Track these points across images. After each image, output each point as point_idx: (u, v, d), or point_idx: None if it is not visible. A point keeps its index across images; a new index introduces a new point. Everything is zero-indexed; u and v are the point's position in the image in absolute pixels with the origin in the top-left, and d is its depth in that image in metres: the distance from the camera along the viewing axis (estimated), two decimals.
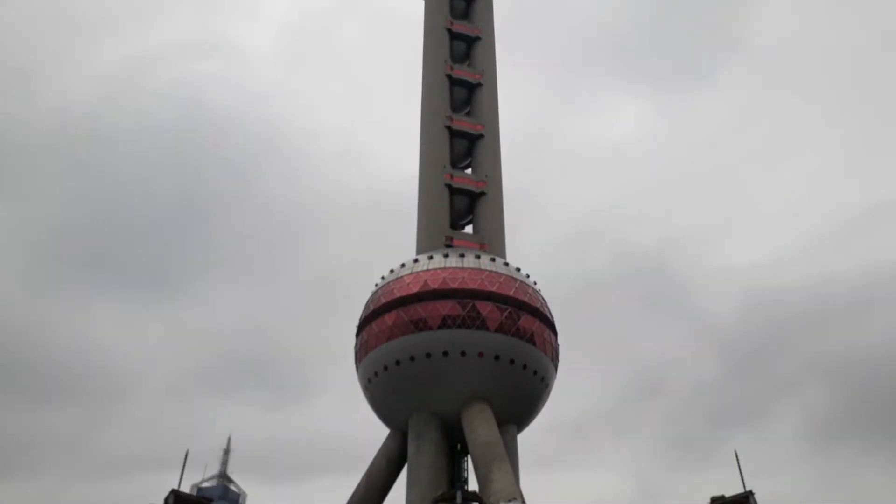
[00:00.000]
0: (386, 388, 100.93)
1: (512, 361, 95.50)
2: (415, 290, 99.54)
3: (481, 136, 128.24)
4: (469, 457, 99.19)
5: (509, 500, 79.15)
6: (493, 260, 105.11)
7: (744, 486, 24.22)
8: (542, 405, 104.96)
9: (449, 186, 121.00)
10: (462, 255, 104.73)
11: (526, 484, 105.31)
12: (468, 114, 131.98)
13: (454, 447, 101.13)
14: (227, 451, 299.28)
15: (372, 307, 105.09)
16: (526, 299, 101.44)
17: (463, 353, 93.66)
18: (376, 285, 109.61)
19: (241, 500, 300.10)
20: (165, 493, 26.66)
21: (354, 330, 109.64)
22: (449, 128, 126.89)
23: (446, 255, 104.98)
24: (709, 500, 24.73)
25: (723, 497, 24.39)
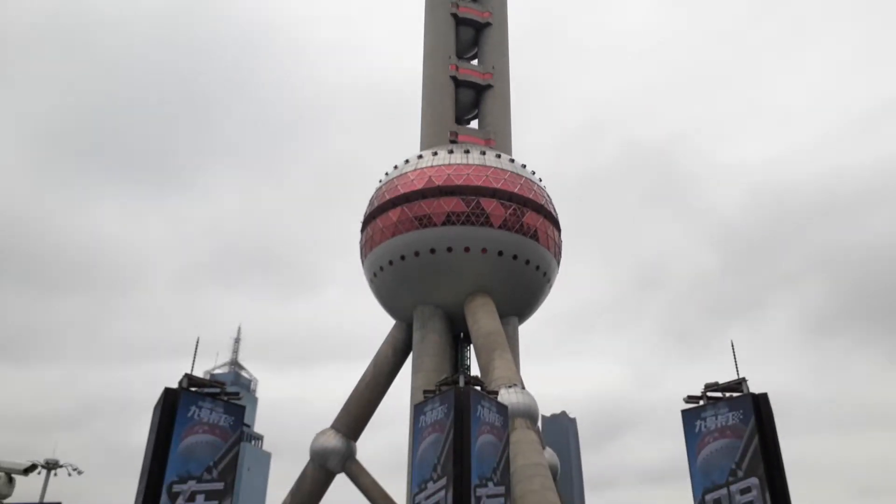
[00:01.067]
0: (391, 282, 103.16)
1: (515, 257, 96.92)
2: (419, 186, 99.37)
3: (488, 24, 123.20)
4: (471, 346, 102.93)
5: (510, 387, 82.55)
6: (498, 156, 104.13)
7: (738, 374, 25.11)
8: (544, 299, 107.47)
9: (454, 78, 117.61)
10: (467, 152, 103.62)
11: (526, 372, 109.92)
12: (475, 0, 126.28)
13: (457, 337, 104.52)
14: (237, 340, 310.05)
15: (376, 203, 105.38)
16: (531, 196, 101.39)
17: (467, 249, 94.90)
18: (380, 181, 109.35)
19: (252, 386, 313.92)
20: (179, 378, 27.66)
21: (358, 223, 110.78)
22: (455, 15, 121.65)
23: (451, 152, 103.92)
24: (703, 386, 25.75)
25: (716, 383, 25.33)
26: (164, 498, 24.12)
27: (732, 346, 27.04)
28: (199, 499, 24.91)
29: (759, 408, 24.43)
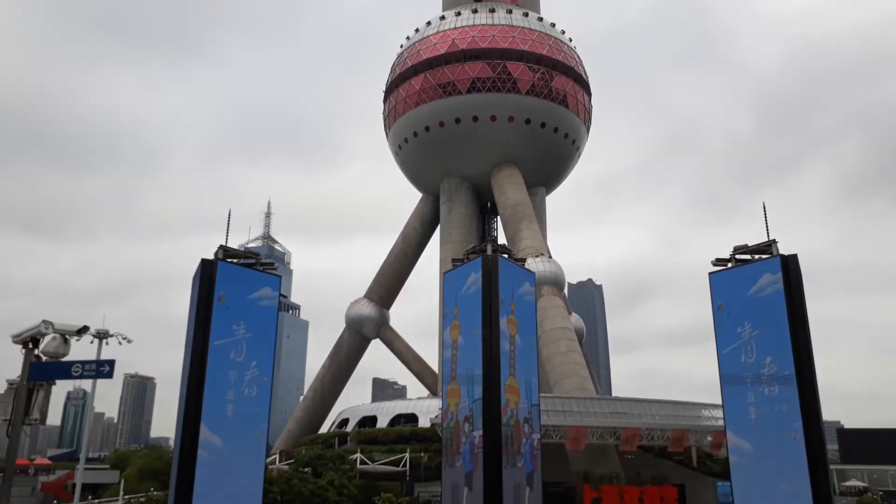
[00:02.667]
0: (416, 154, 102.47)
1: (543, 125, 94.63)
2: (442, 50, 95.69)
3: None
4: (498, 217, 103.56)
5: (537, 256, 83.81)
6: (525, 15, 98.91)
7: (768, 236, 24.83)
8: (572, 168, 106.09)
9: None
10: (492, 11, 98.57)
11: (553, 242, 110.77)
12: None
13: (484, 208, 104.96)
14: (268, 215, 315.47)
15: (398, 70, 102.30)
16: (560, 58, 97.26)
17: (493, 118, 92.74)
18: (401, 46, 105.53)
19: (286, 259, 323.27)
20: (214, 250, 28.32)
21: (380, 93, 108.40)
22: None
23: (475, 11, 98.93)
24: (732, 249, 25.60)
25: (745, 245, 25.15)
26: (210, 358, 25.58)
27: (764, 207, 26.54)
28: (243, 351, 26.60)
29: (788, 269, 24.40)
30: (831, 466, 39.08)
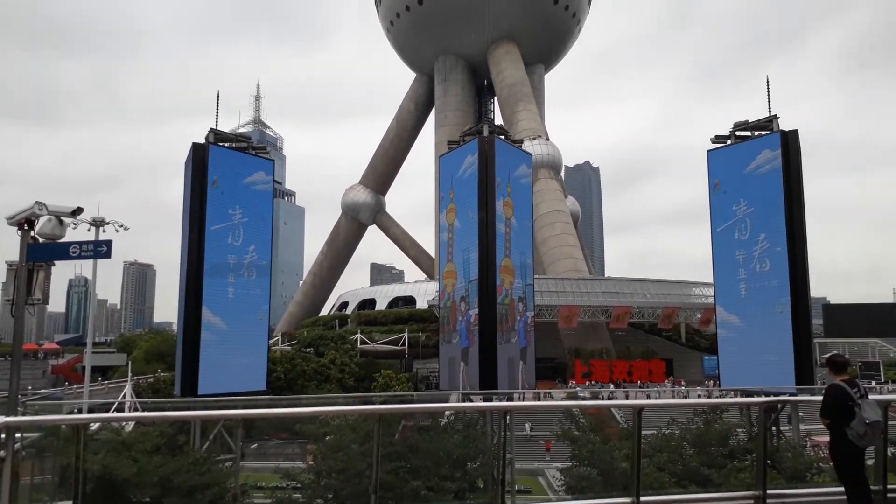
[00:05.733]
0: (410, 30, 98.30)
1: None
2: None
3: None
4: (495, 98, 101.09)
5: (534, 138, 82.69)
6: None
7: (769, 112, 24.26)
8: (572, 43, 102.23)
9: None
10: None
11: (551, 123, 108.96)
12: None
13: (481, 89, 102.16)
14: (258, 98, 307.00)
15: None
16: None
17: None
18: None
19: (278, 144, 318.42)
20: (205, 133, 27.74)
21: None
22: None
23: None
24: (732, 126, 25.11)
25: (746, 121, 24.66)
26: (207, 242, 25.74)
27: (767, 81, 25.82)
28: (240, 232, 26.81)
29: (788, 145, 24.05)
30: (815, 340, 40.56)
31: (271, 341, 68.76)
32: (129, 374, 46.77)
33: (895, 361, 74.65)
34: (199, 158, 26.75)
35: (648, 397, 53.44)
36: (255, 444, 31.12)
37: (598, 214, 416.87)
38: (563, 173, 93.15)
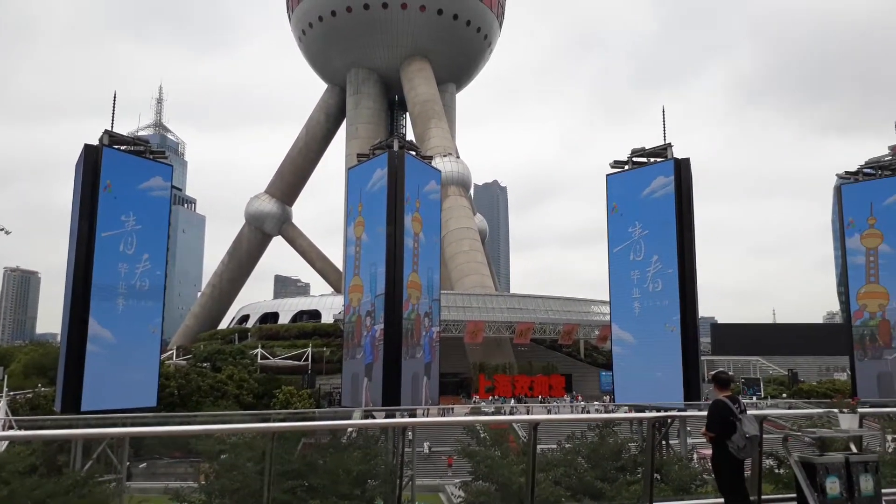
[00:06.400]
0: (322, 41, 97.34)
1: (455, 17, 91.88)
2: None
3: None
4: (407, 114, 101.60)
5: (445, 155, 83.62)
6: None
7: (665, 140, 25.79)
8: (483, 64, 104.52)
9: None
10: None
11: (462, 141, 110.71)
12: None
13: (392, 103, 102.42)
14: (159, 101, 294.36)
15: None
16: None
17: (404, 6, 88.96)
18: None
19: (180, 149, 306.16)
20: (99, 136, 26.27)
21: None
22: None
23: None
24: (629, 152, 26.45)
25: (643, 148, 26.09)
26: (97, 250, 24.25)
27: (663, 111, 27.40)
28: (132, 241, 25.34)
29: (680, 172, 25.61)
30: (703, 357, 42.98)
31: (165, 355, 65.52)
32: (5, 389, 43.27)
33: (774, 378, 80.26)
34: (91, 161, 25.30)
35: (549, 412, 54.79)
36: (144, 464, 29.49)
37: (505, 232, 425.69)
38: (472, 191, 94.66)
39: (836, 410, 9.50)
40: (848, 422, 9.30)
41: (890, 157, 30.51)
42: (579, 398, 64.62)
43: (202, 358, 63.98)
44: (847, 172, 28.42)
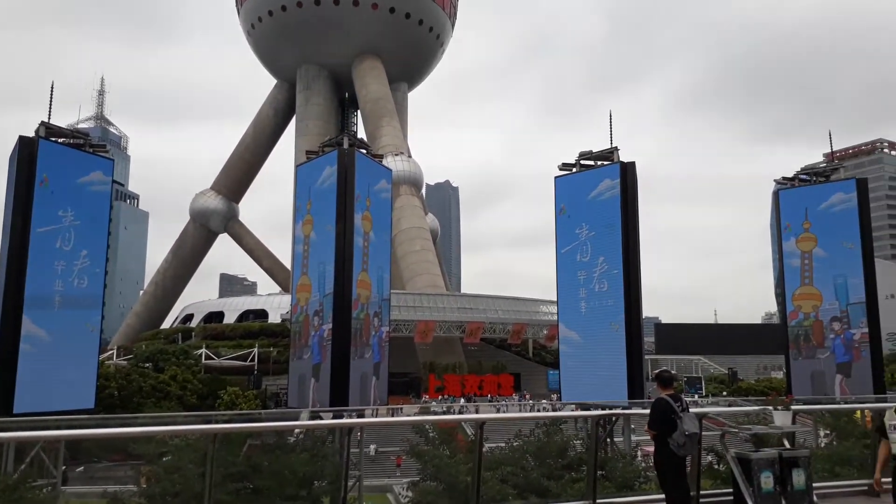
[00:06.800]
0: (271, 36, 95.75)
1: (408, 16, 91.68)
2: None
3: None
4: (359, 112, 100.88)
5: (396, 154, 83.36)
6: None
7: (611, 143, 26.37)
8: (436, 63, 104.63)
9: None
10: None
11: (413, 140, 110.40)
12: None
13: (343, 101, 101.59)
14: (101, 93, 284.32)
15: None
16: None
17: (356, 3, 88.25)
18: None
19: (122, 143, 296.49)
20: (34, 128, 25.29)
21: None
22: None
23: None
24: (577, 154, 26.92)
25: (590, 151, 26.61)
26: (32, 246, 23.31)
27: (610, 116, 27.97)
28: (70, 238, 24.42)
29: (626, 175, 26.21)
30: (646, 356, 44.02)
31: (105, 355, 63.42)
32: None
33: (715, 376, 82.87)
34: (26, 154, 24.33)
35: (498, 411, 55.25)
36: (82, 468, 28.48)
37: (457, 232, 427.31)
38: (424, 191, 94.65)
39: (770, 408, 9.84)
40: (782, 418, 9.66)
41: (824, 165, 31.82)
42: (528, 396, 65.37)
43: (144, 358, 62.22)
44: (784, 178, 29.49)
